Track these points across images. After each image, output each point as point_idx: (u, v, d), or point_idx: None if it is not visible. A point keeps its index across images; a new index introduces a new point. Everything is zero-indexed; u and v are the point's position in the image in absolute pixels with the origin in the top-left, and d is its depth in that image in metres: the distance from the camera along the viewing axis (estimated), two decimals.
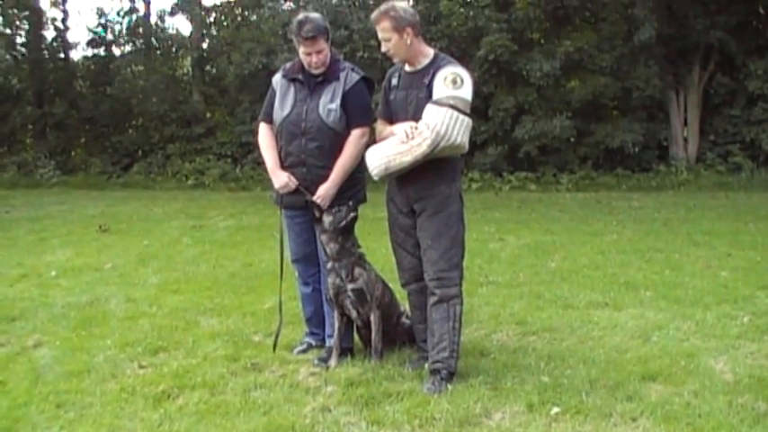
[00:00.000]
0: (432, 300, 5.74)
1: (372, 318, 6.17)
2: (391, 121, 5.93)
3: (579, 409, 5.04)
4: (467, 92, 5.63)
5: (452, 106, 5.52)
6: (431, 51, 5.94)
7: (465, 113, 5.57)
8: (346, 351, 6.30)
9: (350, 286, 6.10)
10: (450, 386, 5.46)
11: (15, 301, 8.55)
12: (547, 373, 5.81)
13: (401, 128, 5.66)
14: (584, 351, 6.35)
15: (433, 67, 5.77)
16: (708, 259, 10.32)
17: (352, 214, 6.15)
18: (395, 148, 5.66)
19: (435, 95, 5.61)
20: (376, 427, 4.88)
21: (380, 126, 6.05)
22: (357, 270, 6.15)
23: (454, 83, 5.60)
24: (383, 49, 5.89)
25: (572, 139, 23.32)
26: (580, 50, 23.24)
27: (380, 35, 5.82)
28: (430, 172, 5.69)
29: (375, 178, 5.85)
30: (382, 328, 6.20)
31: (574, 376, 5.70)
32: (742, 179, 22.10)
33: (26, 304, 8.35)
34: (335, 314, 6.24)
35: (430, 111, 5.57)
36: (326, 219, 6.13)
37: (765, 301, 7.96)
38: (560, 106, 23.55)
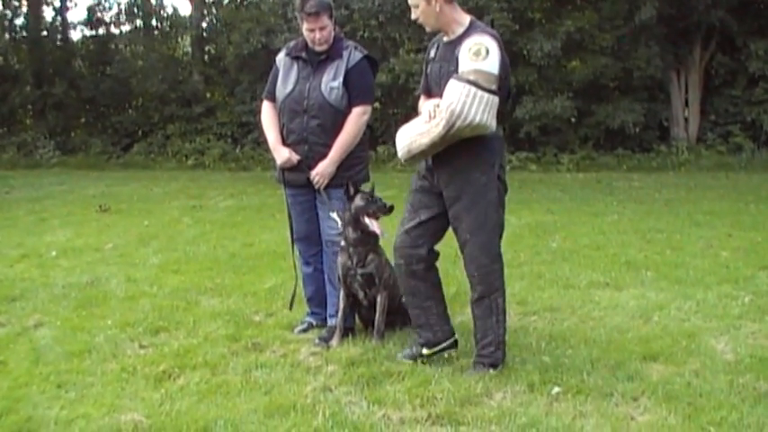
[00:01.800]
0: (473, 295, 5.53)
1: (379, 299, 6.17)
2: (430, 95, 5.58)
3: (580, 389, 5.04)
4: (491, 64, 5.13)
5: (471, 82, 5.05)
6: (466, 19, 5.44)
7: (487, 89, 5.07)
8: (347, 331, 6.30)
9: (360, 270, 6.10)
10: (493, 371, 5.37)
11: (16, 281, 8.55)
12: (548, 352, 5.81)
13: (427, 106, 5.33)
14: (585, 331, 6.36)
15: (466, 36, 5.30)
16: (708, 239, 10.32)
17: (388, 205, 6.13)
18: (418, 128, 5.34)
19: (459, 69, 5.19)
20: (377, 406, 4.87)
21: (420, 102, 5.72)
22: (370, 256, 6.14)
23: (477, 55, 5.13)
24: (412, 16, 5.52)
25: (573, 120, 23.26)
26: (581, 30, 23.13)
27: (409, 1, 5.48)
28: (462, 156, 5.31)
29: (402, 161, 5.57)
30: (386, 309, 6.20)
31: (575, 356, 5.70)
32: (743, 159, 22.06)
33: (26, 284, 8.35)
34: (341, 294, 6.24)
35: (449, 87, 5.15)
36: (358, 202, 6.11)
37: (766, 281, 7.96)
38: (561, 86, 23.48)
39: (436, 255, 5.82)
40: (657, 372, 5.39)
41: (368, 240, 6.14)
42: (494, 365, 5.41)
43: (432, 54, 5.59)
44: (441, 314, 5.74)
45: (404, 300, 6.14)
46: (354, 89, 6.16)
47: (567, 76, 23.80)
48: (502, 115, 5.38)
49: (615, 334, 6.27)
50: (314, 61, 6.26)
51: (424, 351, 5.62)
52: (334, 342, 6.18)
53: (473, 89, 5.04)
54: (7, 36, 30.33)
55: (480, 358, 5.47)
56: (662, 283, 7.92)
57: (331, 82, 6.17)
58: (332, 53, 6.24)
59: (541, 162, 23.11)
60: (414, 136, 5.34)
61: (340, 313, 6.26)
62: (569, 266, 8.82)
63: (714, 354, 5.73)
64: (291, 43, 6.51)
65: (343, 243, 6.18)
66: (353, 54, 6.26)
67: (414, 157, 5.43)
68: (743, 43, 23.21)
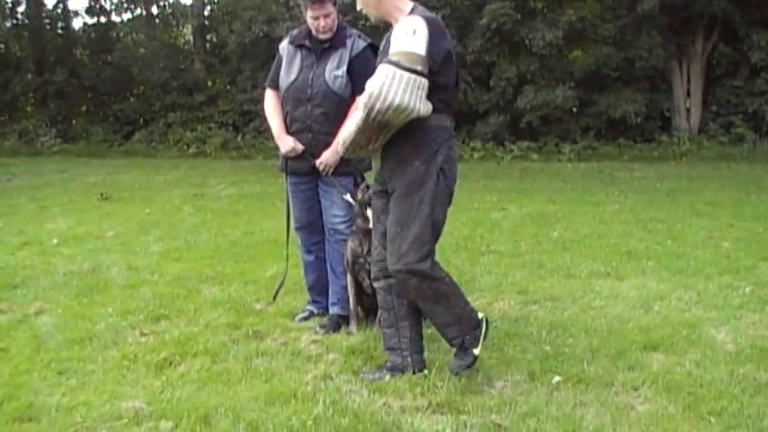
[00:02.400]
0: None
1: None
2: None
3: (580, 378, 5.04)
4: (416, 44, 4.78)
5: (393, 62, 4.75)
6: (408, 6, 5.13)
7: (408, 69, 4.73)
8: (345, 319, 6.31)
9: (369, 258, 6.08)
10: (476, 351, 5.05)
11: (17, 268, 8.55)
12: (548, 342, 5.81)
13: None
14: (586, 320, 6.36)
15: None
16: (710, 230, 10.31)
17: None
18: (351, 118, 5.17)
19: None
20: (377, 395, 4.88)
21: None
22: None
23: (405, 35, 4.81)
24: (357, 7, 5.25)
25: (574, 109, 23.28)
26: (583, 20, 23.13)
27: None
28: (404, 146, 4.99)
29: (345, 156, 5.35)
30: None
31: (575, 345, 5.71)
32: (744, 150, 22.08)
33: (28, 272, 8.35)
34: (349, 280, 6.21)
35: (376, 71, 4.90)
36: (360, 195, 6.11)
37: (767, 271, 7.95)
38: (563, 76, 23.49)
39: None
40: (658, 361, 5.39)
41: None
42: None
43: (382, 45, 5.20)
44: (413, 340, 5.27)
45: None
46: (358, 78, 6.12)
47: (569, 66, 23.83)
48: (448, 104, 5.12)
49: (616, 323, 6.27)
50: (317, 49, 6.24)
51: (387, 377, 5.13)
52: (353, 328, 6.21)
53: (392, 68, 4.74)
54: (9, 24, 30.32)
55: (454, 340, 5.14)
56: (663, 273, 7.93)
57: (335, 70, 6.16)
58: (335, 41, 6.23)
59: (543, 152, 23.13)
60: (346, 126, 5.21)
61: (352, 299, 6.24)
62: (570, 256, 8.82)
63: (714, 344, 5.73)
64: (295, 31, 6.50)
65: (354, 227, 6.18)
66: (357, 42, 6.24)
67: (349, 149, 5.12)
68: (745, 34, 23.21)
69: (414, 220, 4.98)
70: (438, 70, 4.91)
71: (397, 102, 4.71)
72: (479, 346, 5.06)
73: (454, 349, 5.14)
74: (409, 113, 4.79)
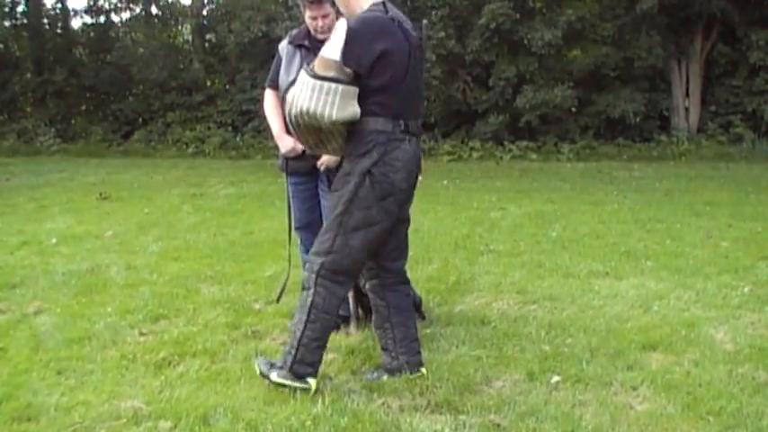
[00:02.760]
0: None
1: None
2: None
3: (579, 378, 5.05)
4: (332, 50, 4.79)
5: (307, 69, 4.87)
6: (367, 3, 5.07)
7: (319, 77, 4.77)
8: (347, 319, 6.30)
9: None
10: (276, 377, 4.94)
11: (16, 268, 8.56)
12: (547, 341, 5.82)
13: None
14: (585, 320, 6.36)
15: None
16: (709, 229, 10.32)
17: None
18: None
19: None
20: (376, 394, 4.88)
21: None
22: None
23: (330, 39, 4.89)
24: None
25: (573, 109, 23.21)
26: (582, 19, 23.12)
27: None
28: (346, 146, 5.04)
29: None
30: None
31: (574, 345, 5.72)
32: (743, 150, 22.06)
33: (27, 272, 8.36)
34: None
35: None
36: None
37: (766, 271, 7.96)
38: (562, 76, 23.46)
39: (390, 271, 5.40)
40: (657, 361, 5.40)
41: None
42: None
43: None
44: (399, 341, 5.25)
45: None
46: None
47: (568, 66, 23.80)
48: (388, 107, 4.95)
49: (615, 323, 6.28)
50: (317, 49, 6.19)
51: (385, 378, 5.15)
52: (352, 329, 6.21)
53: (304, 76, 4.83)
54: (8, 23, 30.28)
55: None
56: (662, 273, 7.93)
57: None
58: None
59: (542, 151, 23.10)
60: None
61: (351, 300, 6.24)
62: (569, 255, 8.83)
63: (713, 343, 5.74)
64: (294, 31, 6.49)
65: None
66: None
67: (308, 149, 5.43)
68: (744, 33, 23.18)
69: (329, 215, 5.06)
70: (368, 73, 4.84)
71: (305, 108, 4.76)
72: (285, 380, 4.93)
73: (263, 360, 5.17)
74: (321, 118, 4.77)
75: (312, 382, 4.91)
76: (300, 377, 4.90)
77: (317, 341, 4.96)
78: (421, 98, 5.37)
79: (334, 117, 4.77)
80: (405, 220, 5.41)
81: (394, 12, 5.03)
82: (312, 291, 4.95)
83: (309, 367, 4.94)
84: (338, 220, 4.95)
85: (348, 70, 4.78)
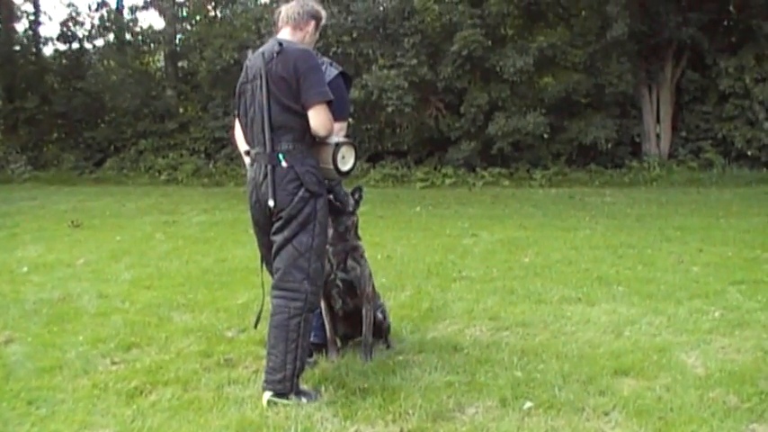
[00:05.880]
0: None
1: (364, 312, 6.09)
2: None
3: (552, 404, 5.05)
4: None
5: None
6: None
7: None
8: (321, 346, 6.29)
9: (340, 275, 6.05)
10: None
11: None
12: (520, 367, 5.82)
13: None
14: (557, 346, 6.38)
15: None
16: (680, 254, 10.38)
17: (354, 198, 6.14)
18: None
19: None
20: (349, 422, 4.87)
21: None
22: (350, 263, 6.08)
23: None
24: None
25: (545, 136, 23.32)
26: (553, 46, 23.29)
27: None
28: None
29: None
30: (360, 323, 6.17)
31: (547, 371, 5.72)
32: (713, 175, 22.31)
33: None
34: (323, 307, 6.15)
35: None
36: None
37: (736, 296, 8.01)
38: (533, 102, 23.65)
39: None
40: (629, 386, 5.42)
41: (344, 236, 6.08)
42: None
43: None
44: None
45: (377, 313, 6.22)
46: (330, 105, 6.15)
47: (540, 92, 24.02)
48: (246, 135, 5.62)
49: (587, 349, 6.30)
50: None
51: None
52: (333, 356, 6.20)
53: None
54: None
55: None
56: (633, 298, 7.96)
57: None
58: None
59: (514, 178, 23.25)
60: None
61: (328, 326, 6.24)
62: (541, 281, 8.85)
63: (685, 368, 5.76)
64: None
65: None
66: (329, 70, 6.21)
67: None
68: (713, 60, 23.50)
69: None
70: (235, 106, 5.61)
71: None
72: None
73: None
74: None
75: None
76: None
77: None
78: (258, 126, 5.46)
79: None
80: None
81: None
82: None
83: None
84: None
85: None
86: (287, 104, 5.23)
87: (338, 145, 5.39)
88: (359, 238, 6.19)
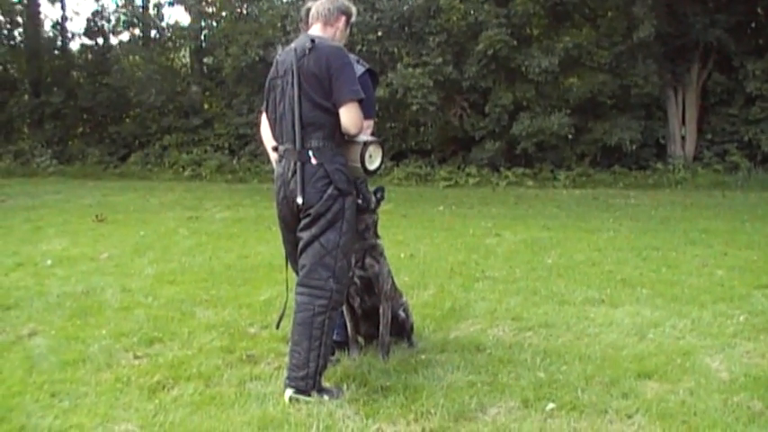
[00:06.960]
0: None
1: (382, 311, 6.07)
2: None
3: (575, 406, 5.03)
4: None
5: None
6: None
7: None
8: (343, 344, 6.28)
9: (358, 273, 6.04)
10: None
11: (10, 289, 8.53)
12: (542, 368, 5.80)
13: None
14: (580, 347, 6.35)
15: None
16: (704, 258, 10.32)
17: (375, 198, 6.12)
18: None
19: None
20: (371, 420, 4.86)
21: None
22: (368, 261, 6.06)
23: None
24: None
25: (570, 136, 23.24)
26: (579, 47, 23.21)
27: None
28: None
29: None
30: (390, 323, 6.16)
31: (569, 372, 5.70)
32: (739, 178, 22.13)
33: (21, 293, 8.33)
34: (345, 307, 6.13)
35: None
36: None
37: (761, 300, 7.95)
38: (558, 103, 23.55)
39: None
40: (652, 389, 5.39)
41: (363, 235, 6.06)
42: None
43: None
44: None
45: (399, 312, 6.24)
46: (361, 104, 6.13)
47: (565, 93, 23.88)
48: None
49: (610, 351, 6.26)
50: None
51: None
52: (354, 354, 6.19)
53: None
54: (6, 45, 30.36)
55: None
56: (657, 301, 7.92)
57: None
58: None
59: (538, 178, 23.18)
60: None
61: (349, 324, 6.24)
62: (564, 283, 8.82)
63: (709, 372, 5.73)
64: None
65: None
66: (356, 67, 6.21)
67: None
68: (740, 63, 23.35)
69: None
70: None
71: None
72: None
73: None
74: None
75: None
76: None
77: None
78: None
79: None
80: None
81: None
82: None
83: None
84: None
85: None
86: (318, 101, 5.22)
87: (366, 144, 5.38)
88: (378, 237, 6.17)
